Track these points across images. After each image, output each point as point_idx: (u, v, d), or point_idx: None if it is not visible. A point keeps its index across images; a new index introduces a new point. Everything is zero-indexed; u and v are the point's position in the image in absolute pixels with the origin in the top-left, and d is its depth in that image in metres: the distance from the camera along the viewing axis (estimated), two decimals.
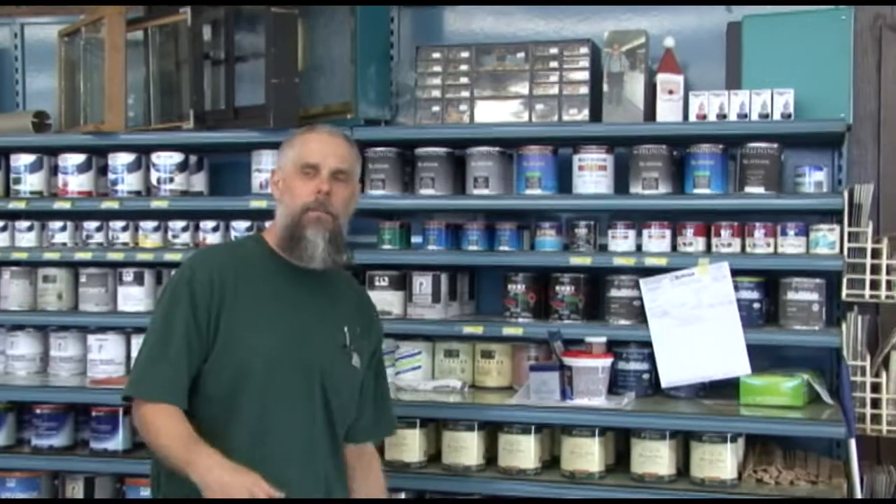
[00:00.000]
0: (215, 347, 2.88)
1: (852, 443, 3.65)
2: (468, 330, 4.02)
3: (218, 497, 2.61)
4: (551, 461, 3.89)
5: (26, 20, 4.94)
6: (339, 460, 3.07)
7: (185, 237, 4.37)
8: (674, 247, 3.93)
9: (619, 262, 3.89)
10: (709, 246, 3.90)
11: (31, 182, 4.52)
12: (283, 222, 2.98)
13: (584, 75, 3.99)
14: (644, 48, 3.94)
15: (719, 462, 3.62)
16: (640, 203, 3.93)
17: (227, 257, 3.02)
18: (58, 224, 4.50)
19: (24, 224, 4.54)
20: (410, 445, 3.86)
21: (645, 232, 3.93)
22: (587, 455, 3.72)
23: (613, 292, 3.97)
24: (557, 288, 4.03)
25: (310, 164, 2.96)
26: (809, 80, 3.85)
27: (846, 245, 3.74)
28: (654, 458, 3.67)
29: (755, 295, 3.86)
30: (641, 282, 3.90)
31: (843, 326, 3.78)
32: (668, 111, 3.90)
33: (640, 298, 3.90)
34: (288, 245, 2.97)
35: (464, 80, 4.11)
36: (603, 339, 3.82)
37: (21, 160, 4.52)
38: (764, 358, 3.89)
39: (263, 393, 2.88)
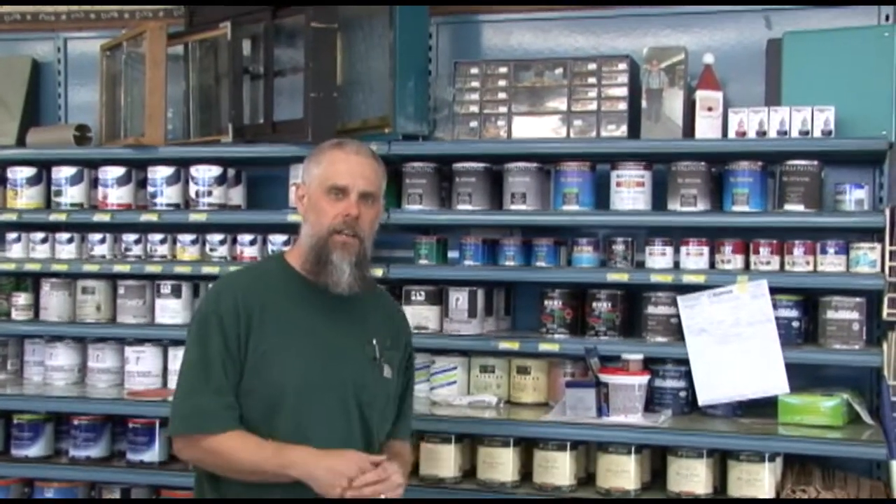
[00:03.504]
0: (245, 372, 2.90)
1: (894, 464, 3.60)
2: (504, 346, 4.01)
3: (329, 480, 2.76)
4: (587, 478, 3.87)
5: (69, 35, 5.00)
6: None
7: (223, 250, 4.40)
8: (712, 264, 3.91)
9: (656, 278, 3.87)
10: (747, 263, 3.88)
11: (72, 194, 4.57)
12: (308, 243, 2.98)
13: (623, 91, 3.98)
14: (683, 64, 3.93)
15: (757, 481, 3.60)
16: (678, 220, 3.91)
17: (250, 282, 3.02)
18: (97, 236, 4.54)
19: (65, 236, 4.58)
20: (445, 461, 3.86)
21: (683, 249, 3.92)
22: (623, 473, 3.70)
23: (650, 309, 3.95)
24: (594, 304, 4.02)
25: (338, 186, 2.95)
26: (851, 98, 3.82)
27: (888, 264, 3.70)
28: (691, 477, 3.65)
29: (794, 313, 3.83)
30: (679, 299, 3.87)
31: (885, 346, 3.73)
32: (706, 128, 3.88)
33: (678, 315, 3.87)
34: (314, 268, 2.96)
35: (502, 95, 4.11)
36: (640, 356, 3.80)
37: (62, 172, 4.57)
38: (802, 377, 3.85)
39: (298, 413, 2.90)
